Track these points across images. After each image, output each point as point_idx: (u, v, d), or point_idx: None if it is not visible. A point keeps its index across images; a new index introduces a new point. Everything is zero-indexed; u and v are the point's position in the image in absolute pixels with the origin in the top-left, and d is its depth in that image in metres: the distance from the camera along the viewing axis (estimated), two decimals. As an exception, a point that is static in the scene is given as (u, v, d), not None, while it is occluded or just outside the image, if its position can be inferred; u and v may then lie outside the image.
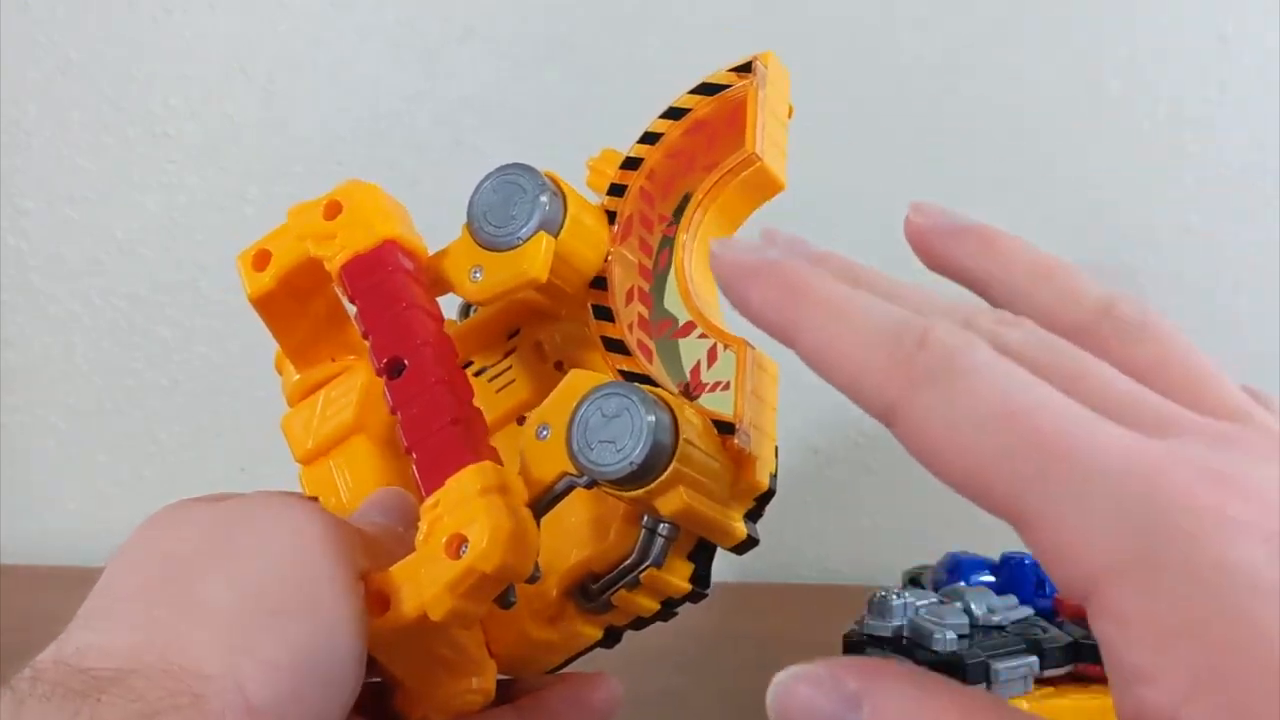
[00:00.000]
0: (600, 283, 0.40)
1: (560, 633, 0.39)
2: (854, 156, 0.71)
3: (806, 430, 0.74)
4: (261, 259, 0.39)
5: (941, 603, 0.45)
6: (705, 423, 0.36)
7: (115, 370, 0.77)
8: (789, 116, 0.42)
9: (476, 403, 0.37)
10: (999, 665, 0.42)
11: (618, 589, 0.38)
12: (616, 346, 0.39)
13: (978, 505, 0.24)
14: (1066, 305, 0.27)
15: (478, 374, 0.43)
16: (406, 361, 0.36)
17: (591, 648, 0.41)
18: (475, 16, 0.74)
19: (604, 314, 0.40)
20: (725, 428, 0.36)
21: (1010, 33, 0.72)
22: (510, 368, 0.43)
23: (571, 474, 0.35)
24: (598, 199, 0.42)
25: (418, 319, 0.37)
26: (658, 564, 0.37)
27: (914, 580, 0.53)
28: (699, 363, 0.38)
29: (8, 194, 0.76)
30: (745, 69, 0.41)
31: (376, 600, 0.33)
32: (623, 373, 0.38)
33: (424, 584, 0.32)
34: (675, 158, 0.41)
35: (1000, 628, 0.44)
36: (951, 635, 0.42)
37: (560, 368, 0.42)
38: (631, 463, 0.33)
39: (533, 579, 0.34)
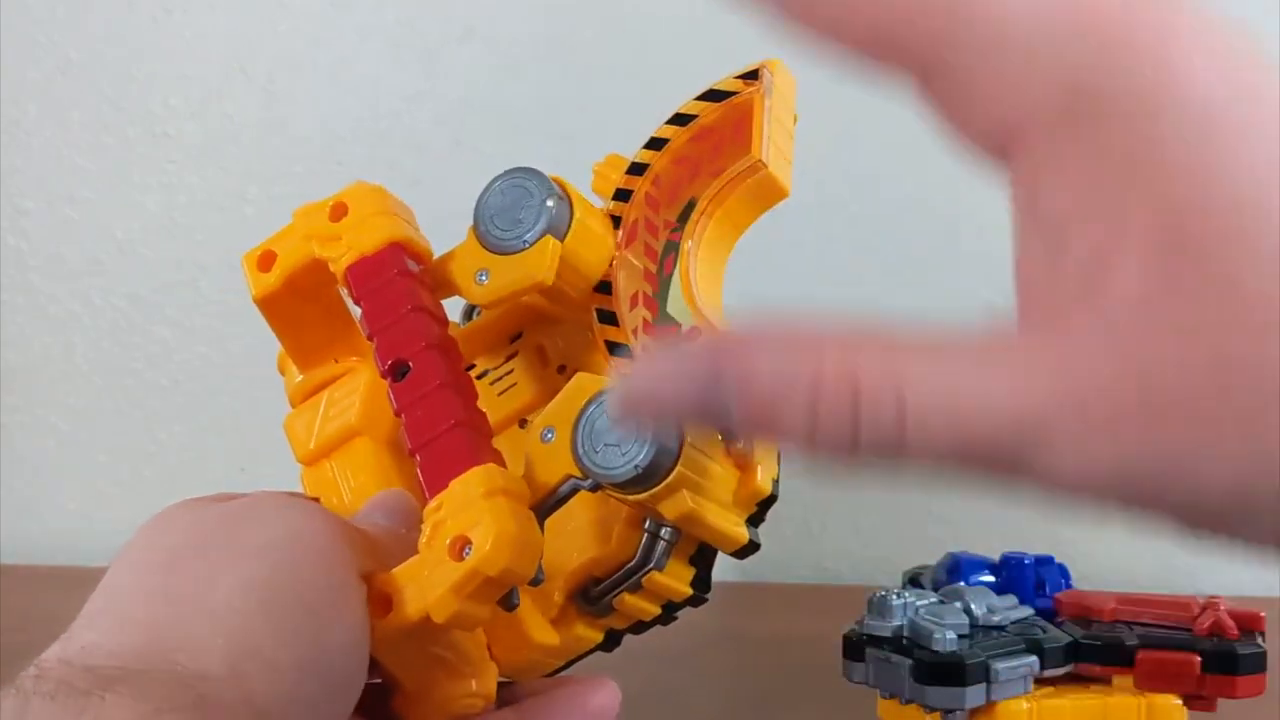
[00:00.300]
0: (605, 287, 0.40)
1: (561, 635, 0.39)
2: (847, 154, 0.71)
3: (806, 430, 0.74)
4: (267, 259, 0.39)
5: (941, 603, 0.45)
6: None
7: (115, 370, 0.77)
8: (794, 124, 0.42)
9: (479, 405, 0.37)
10: (999, 665, 0.42)
11: (619, 592, 0.38)
12: (621, 351, 0.39)
13: (879, 73, 0.22)
14: None
15: (479, 377, 0.43)
16: (411, 364, 0.36)
17: (591, 651, 0.41)
18: (475, 16, 0.74)
19: (608, 318, 0.40)
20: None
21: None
22: (512, 371, 0.43)
23: (576, 477, 0.35)
24: (603, 203, 0.42)
25: (423, 322, 0.37)
26: (659, 568, 0.37)
27: (914, 580, 0.53)
28: None
29: (8, 194, 0.76)
30: (752, 76, 0.41)
31: (379, 602, 0.33)
32: None
33: (427, 586, 0.32)
34: (681, 163, 0.41)
35: (1000, 628, 0.44)
36: (951, 635, 0.42)
37: (563, 371, 0.42)
38: (636, 466, 0.33)
39: (536, 581, 0.34)
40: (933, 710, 0.42)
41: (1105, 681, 0.44)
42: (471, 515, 0.33)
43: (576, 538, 0.38)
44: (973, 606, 0.45)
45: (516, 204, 0.39)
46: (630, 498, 0.34)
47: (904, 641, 0.43)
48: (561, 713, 0.39)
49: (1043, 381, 0.21)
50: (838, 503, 0.75)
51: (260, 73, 0.75)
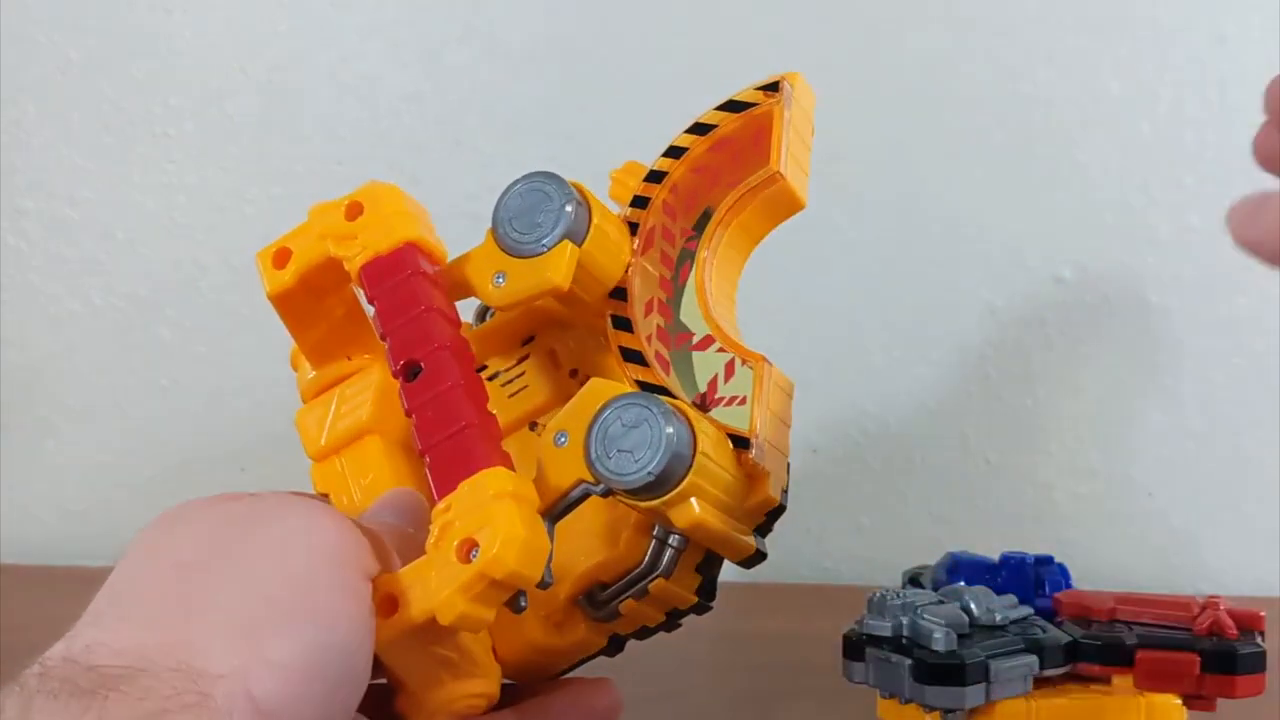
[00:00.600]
0: (620, 293, 0.40)
1: (566, 639, 0.39)
2: (850, 157, 0.71)
3: (806, 430, 0.74)
4: (282, 257, 0.40)
5: (941, 603, 0.45)
6: (721, 436, 0.36)
7: (115, 370, 0.77)
8: (812, 137, 0.42)
9: (490, 408, 0.37)
10: (998, 665, 0.42)
11: (625, 598, 0.38)
12: (634, 357, 0.39)
13: None
14: None
15: (491, 379, 0.43)
16: (423, 364, 0.36)
17: (595, 655, 0.41)
18: (475, 16, 0.74)
19: (623, 324, 0.40)
20: (740, 442, 0.36)
21: (1010, 33, 0.72)
22: (524, 373, 0.43)
23: (588, 481, 0.35)
24: (620, 210, 0.42)
25: (436, 322, 0.37)
26: (667, 575, 0.37)
27: (914, 580, 0.53)
28: (716, 376, 0.38)
29: (8, 194, 0.76)
30: (773, 88, 0.41)
31: (385, 602, 0.33)
32: (640, 383, 0.39)
33: (434, 587, 0.32)
34: (699, 173, 0.41)
35: (1000, 627, 0.44)
36: (951, 635, 0.42)
37: (574, 375, 0.43)
38: (649, 473, 0.34)
39: (544, 585, 0.34)
40: (932, 710, 0.42)
41: (1105, 681, 0.44)
42: (480, 517, 0.33)
43: (584, 541, 0.38)
44: (972, 606, 0.45)
45: (535, 207, 0.39)
46: (641, 504, 0.34)
47: (904, 641, 0.43)
48: (562, 713, 0.39)
49: None
50: (838, 503, 0.75)
51: (260, 73, 0.75)
